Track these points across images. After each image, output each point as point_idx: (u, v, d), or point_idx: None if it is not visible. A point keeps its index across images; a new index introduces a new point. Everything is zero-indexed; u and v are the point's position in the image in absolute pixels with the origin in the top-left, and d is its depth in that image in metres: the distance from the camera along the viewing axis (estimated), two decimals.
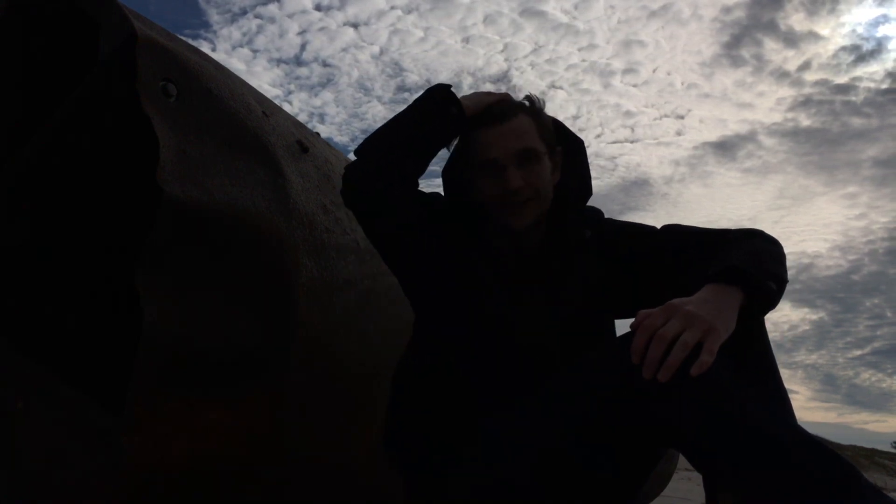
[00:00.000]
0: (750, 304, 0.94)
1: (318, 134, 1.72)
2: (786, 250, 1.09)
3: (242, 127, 1.22)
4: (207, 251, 1.08)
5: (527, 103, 1.17)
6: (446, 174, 1.24)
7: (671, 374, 0.85)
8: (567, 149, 1.21)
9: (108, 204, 1.36)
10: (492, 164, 1.10)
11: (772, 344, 1.03)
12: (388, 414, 1.19)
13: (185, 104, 1.10)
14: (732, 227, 1.12)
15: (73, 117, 1.19)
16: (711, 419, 0.85)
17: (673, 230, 1.17)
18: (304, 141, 1.44)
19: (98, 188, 1.33)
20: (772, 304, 0.97)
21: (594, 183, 1.25)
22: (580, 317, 1.13)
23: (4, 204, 1.24)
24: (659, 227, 1.20)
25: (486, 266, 1.15)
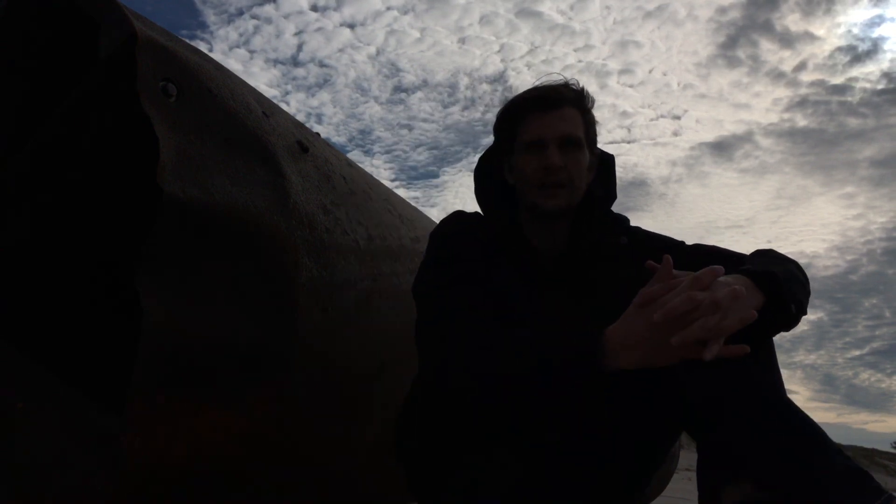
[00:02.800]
0: (764, 314, 0.93)
1: (318, 134, 1.72)
2: (784, 251, 1.12)
3: (242, 127, 1.22)
4: (207, 251, 1.08)
5: (576, 91, 1.19)
6: (480, 171, 1.27)
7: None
8: (599, 160, 1.25)
9: (109, 204, 1.36)
10: (535, 143, 1.15)
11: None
12: (403, 411, 1.19)
13: (185, 104, 1.10)
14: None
15: (73, 117, 1.19)
16: (731, 394, 0.87)
17: (702, 249, 1.20)
18: (304, 141, 1.44)
19: (98, 188, 1.33)
20: (783, 320, 0.97)
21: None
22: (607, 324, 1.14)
23: (4, 203, 1.24)
24: (682, 242, 1.23)
25: (516, 268, 1.16)
